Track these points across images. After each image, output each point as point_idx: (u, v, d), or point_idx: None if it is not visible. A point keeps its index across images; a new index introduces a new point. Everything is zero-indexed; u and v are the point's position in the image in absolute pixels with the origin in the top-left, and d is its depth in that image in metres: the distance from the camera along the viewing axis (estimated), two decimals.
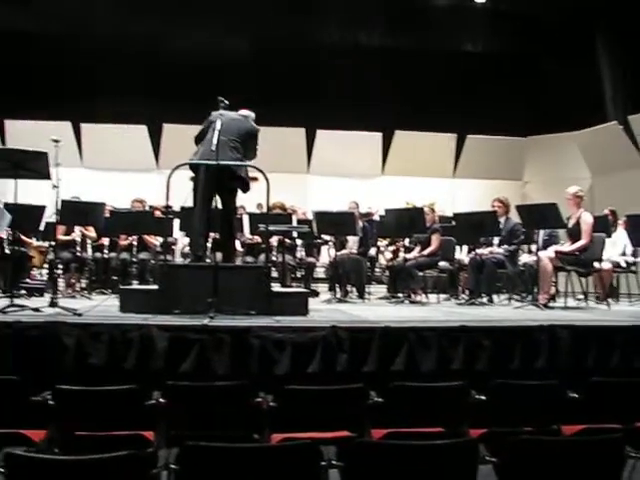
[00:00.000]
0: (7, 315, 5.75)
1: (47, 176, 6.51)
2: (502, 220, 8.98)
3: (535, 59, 15.85)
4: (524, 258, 9.68)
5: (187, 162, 6.61)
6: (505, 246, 8.86)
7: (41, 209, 8.67)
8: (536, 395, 4.31)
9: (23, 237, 9.48)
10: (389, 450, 3.16)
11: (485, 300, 8.53)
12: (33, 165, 6.37)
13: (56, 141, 6.97)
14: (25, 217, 8.21)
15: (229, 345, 5.08)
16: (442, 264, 9.67)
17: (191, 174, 6.86)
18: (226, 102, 6.59)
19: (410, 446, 3.16)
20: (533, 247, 9.52)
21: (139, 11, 14.78)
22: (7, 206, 8.56)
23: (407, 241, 9.41)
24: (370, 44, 16.44)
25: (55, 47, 14.79)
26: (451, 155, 16.59)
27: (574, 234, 8.15)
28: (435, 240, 9.20)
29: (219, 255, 6.80)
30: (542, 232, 8.83)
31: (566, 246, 8.32)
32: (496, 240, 8.98)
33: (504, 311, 7.68)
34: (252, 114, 7.20)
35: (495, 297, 9.01)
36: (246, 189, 6.91)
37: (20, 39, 14.97)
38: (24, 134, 13.44)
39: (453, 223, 9.62)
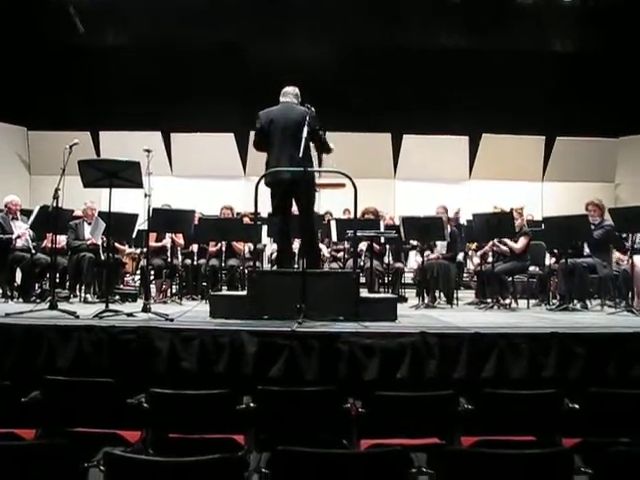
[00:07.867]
0: (102, 320, 5.94)
1: (140, 185, 6.69)
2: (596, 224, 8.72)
3: (626, 56, 15.31)
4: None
5: (276, 169, 6.64)
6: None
7: (134, 217, 8.91)
8: (632, 405, 4.16)
9: (117, 244, 9.76)
10: (481, 458, 3.12)
11: (578, 306, 8.31)
12: (127, 174, 6.56)
13: (148, 151, 7.18)
14: (118, 225, 8.45)
15: (318, 351, 5.10)
16: (532, 269, 9.48)
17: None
18: (313, 109, 6.62)
19: (502, 455, 3.11)
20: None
21: (226, 20, 14.97)
22: (102, 214, 8.88)
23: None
24: (455, 46, 16.20)
25: (144, 59, 15.17)
26: (540, 158, 16.23)
27: None
28: (522, 240, 8.95)
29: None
30: (637, 236, 8.54)
31: None
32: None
33: (596, 317, 7.47)
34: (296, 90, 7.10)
35: (587, 303, 8.76)
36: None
37: (110, 52, 15.43)
38: (117, 145, 13.84)
39: (542, 227, 9.40)
